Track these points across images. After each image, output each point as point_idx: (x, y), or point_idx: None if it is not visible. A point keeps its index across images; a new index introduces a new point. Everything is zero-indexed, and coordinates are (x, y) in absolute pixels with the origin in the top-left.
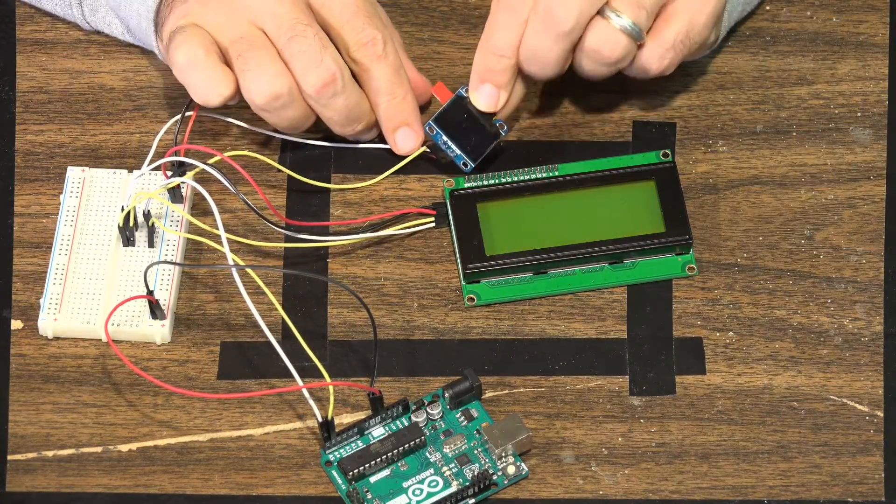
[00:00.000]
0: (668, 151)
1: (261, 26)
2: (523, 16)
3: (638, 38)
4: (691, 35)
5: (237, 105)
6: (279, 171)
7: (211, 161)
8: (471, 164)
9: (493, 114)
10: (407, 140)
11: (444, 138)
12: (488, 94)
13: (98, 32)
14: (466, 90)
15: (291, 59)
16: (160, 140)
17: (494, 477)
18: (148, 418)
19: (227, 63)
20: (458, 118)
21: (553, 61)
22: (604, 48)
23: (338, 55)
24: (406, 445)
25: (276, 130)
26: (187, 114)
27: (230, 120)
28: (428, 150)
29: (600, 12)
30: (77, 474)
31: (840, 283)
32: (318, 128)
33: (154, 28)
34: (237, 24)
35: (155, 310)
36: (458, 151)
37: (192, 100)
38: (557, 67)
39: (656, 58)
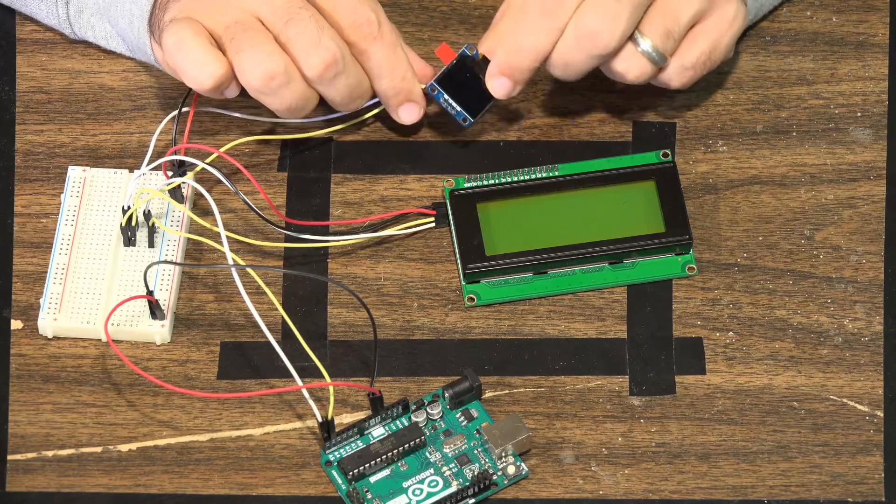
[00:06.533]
0: (668, 151)
1: (256, 13)
2: (559, 24)
3: (661, 63)
4: (713, 56)
5: (237, 101)
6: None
7: (209, 159)
8: (470, 120)
9: None
10: (411, 114)
11: (445, 97)
12: (506, 86)
13: (83, 42)
14: (471, 48)
15: (289, 42)
16: (158, 138)
17: (494, 477)
18: (148, 418)
19: (222, 51)
20: (461, 77)
21: (582, 72)
22: (628, 74)
23: (336, 35)
24: (406, 445)
25: (275, 116)
26: (184, 110)
27: (229, 112)
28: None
29: (631, 35)
30: (77, 474)
31: (840, 283)
32: (321, 108)
33: (148, 28)
34: (231, 12)
35: (155, 310)
36: (458, 108)
37: (187, 96)
38: (582, 76)
39: (677, 76)
